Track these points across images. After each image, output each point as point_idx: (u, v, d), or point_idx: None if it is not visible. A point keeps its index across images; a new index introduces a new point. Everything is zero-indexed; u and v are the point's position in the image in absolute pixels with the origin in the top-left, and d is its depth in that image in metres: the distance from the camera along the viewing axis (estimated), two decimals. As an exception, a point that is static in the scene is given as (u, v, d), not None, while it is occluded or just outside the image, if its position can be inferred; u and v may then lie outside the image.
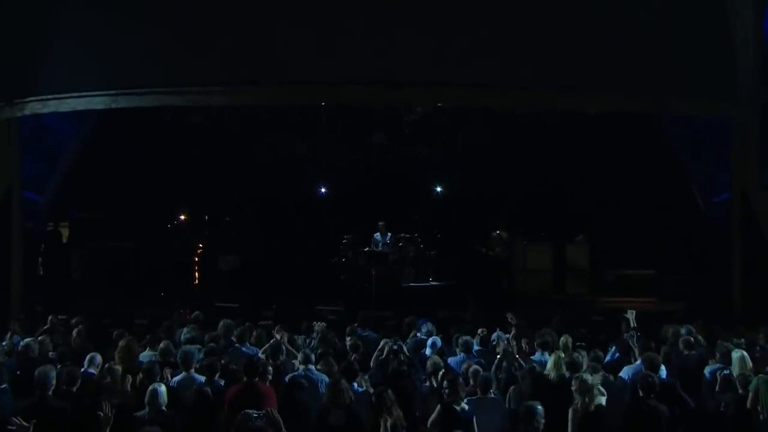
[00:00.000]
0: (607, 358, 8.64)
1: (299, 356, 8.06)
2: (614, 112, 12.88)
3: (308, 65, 11.65)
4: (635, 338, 8.51)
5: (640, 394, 6.72)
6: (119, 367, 7.47)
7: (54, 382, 6.68)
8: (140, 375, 7.34)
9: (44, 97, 12.24)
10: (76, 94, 12.11)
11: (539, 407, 6.00)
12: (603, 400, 6.78)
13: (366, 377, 7.84)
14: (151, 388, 6.60)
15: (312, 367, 7.82)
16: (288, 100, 13.33)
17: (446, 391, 6.82)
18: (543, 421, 5.94)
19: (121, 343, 8.19)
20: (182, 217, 17.89)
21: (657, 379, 6.86)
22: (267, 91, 12.19)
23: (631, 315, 8.99)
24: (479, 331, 9.41)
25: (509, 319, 9.08)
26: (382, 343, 8.77)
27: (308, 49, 11.62)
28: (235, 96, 12.30)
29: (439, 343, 9.01)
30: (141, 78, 11.76)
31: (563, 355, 7.82)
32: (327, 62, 11.59)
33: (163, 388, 6.65)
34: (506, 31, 11.61)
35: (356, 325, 10.06)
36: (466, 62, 11.59)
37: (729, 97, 12.12)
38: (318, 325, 9.61)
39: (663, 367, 7.64)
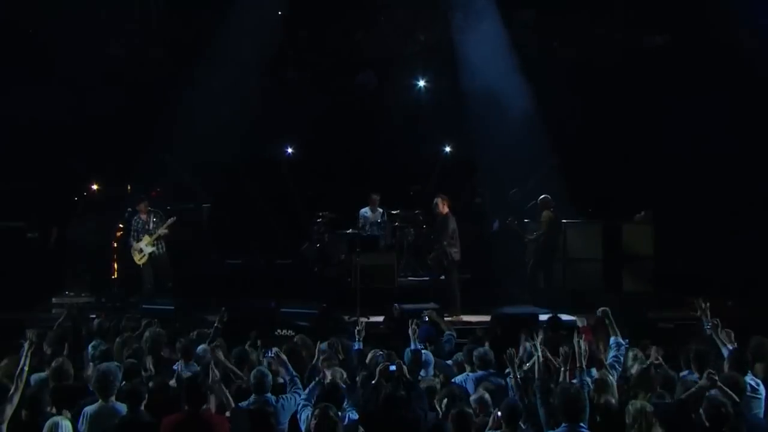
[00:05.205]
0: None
1: (251, 379, 8.03)
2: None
3: None
4: (719, 329, 8.59)
5: (707, 425, 6.83)
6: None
7: None
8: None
9: None
10: None
11: None
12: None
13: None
14: (50, 423, 6.59)
15: (269, 395, 7.84)
16: None
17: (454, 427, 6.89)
18: None
19: (4, 361, 8.10)
20: (95, 188, 17.68)
21: (731, 408, 6.91)
22: None
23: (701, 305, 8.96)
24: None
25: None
26: (370, 355, 8.86)
27: None
28: None
29: (431, 358, 9.22)
30: None
31: (612, 377, 7.97)
32: None
33: (66, 423, 6.62)
34: None
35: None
36: None
37: None
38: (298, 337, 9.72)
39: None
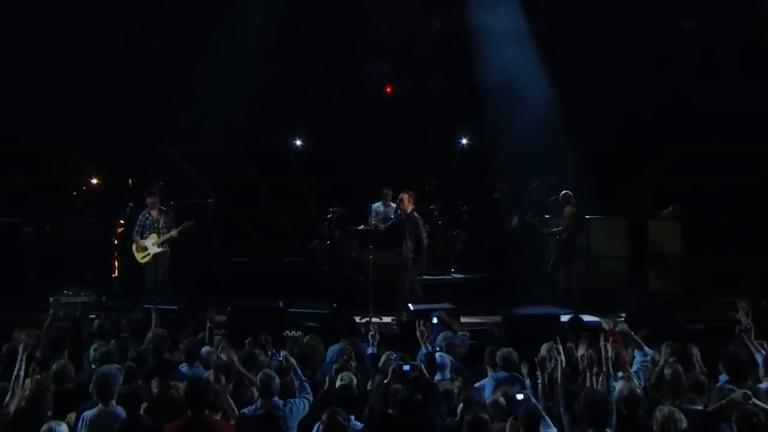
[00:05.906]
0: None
1: (257, 382, 7.99)
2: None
3: None
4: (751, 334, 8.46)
5: None
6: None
7: None
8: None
9: None
10: None
11: None
12: None
13: None
14: (45, 428, 6.58)
15: (276, 398, 7.82)
16: None
17: None
18: None
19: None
20: (94, 182, 17.67)
21: (764, 419, 6.79)
22: None
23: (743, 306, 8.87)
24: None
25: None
26: (383, 357, 8.83)
27: None
28: None
29: (447, 360, 9.21)
30: None
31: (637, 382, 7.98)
32: None
33: (63, 428, 6.64)
34: None
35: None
36: None
37: None
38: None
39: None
